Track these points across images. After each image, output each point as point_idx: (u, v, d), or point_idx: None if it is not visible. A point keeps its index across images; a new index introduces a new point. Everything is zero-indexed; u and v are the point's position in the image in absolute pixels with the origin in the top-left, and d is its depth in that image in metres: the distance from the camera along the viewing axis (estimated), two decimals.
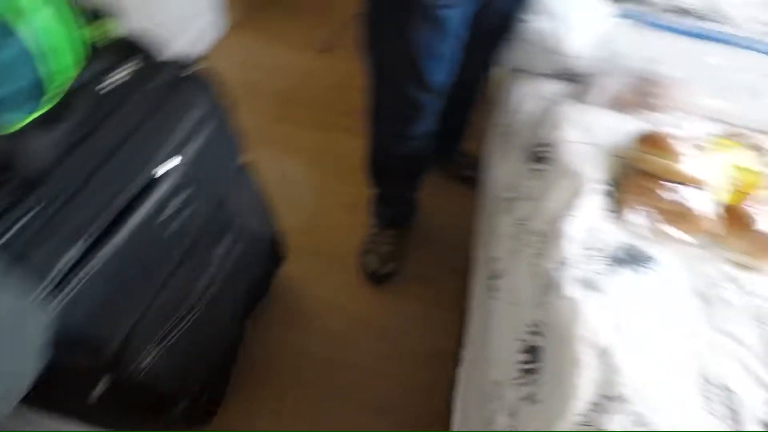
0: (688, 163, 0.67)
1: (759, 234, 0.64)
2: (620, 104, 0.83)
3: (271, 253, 1.15)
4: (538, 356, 0.57)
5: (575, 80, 0.94)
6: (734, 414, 0.52)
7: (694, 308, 0.61)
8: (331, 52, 1.92)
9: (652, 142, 0.69)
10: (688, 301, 0.61)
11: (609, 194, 0.69)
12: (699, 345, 0.57)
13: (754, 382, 0.55)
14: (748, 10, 1.01)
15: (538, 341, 0.58)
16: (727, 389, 0.54)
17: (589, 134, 0.76)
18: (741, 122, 0.88)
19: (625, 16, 0.78)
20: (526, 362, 0.58)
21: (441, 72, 0.95)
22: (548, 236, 0.65)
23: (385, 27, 0.90)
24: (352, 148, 1.39)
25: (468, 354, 0.81)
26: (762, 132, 0.85)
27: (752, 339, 0.59)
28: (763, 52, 0.73)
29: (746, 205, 0.66)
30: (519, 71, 1.01)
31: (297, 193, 1.45)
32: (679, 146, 0.68)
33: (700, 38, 0.74)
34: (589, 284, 0.59)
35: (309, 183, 1.49)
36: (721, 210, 0.66)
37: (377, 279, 1.28)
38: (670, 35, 0.78)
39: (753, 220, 0.65)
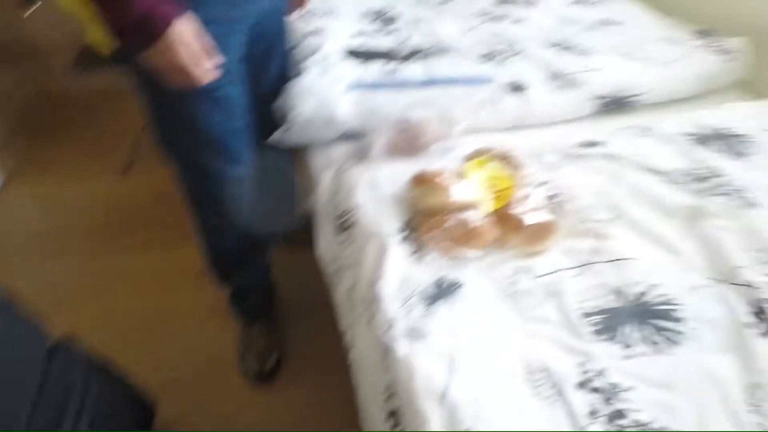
0: (455, 191, 0.77)
1: (526, 226, 0.77)
2: (395, 152, 0.94)
3: (136, 410, 1.02)
4: (399, 419, 0.60)
5: (355, 139, 1.03)
6: (557, 389, 0.61)
7: (504, 310, 0.70)
8: (135, 168, 1.82)
9: (422, 182, 0.79)
10: (497, 306, 0.70)
11: (408, 239, 0.76)
12: (516, 341, 0.66)
13: (563, 350, 0.66)
14: (467, 44, 1.24)
15: (395, 404, 0.61)
16: (546, 369, 0.63)
17: (377, 190, 0.84)
18: (490, 127, 1.06)
19: (364, 84, 0.89)
20: (393, 428, 0.61)
21: (243, 144, 0.98)
22: (371, 302, 0.69)
23: (175, 122, 0.90)
24: (188, 257, 1.32)
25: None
26: (504, 130, 1.04)
27: (552, 313, 0.70)
28: (477, 82, 0.89)
29: (511, 206, 0.79)
30: (306, 146, 1.07)
31: (147, 325, 1.33)
32: (444, 179, 0.78)
33: (430, 85, 0.88)
34: (415, 334, 0.64)
35: (155, 309, 1.38)
36: (494, 218, 0.78)
37: (265, 377, 1.23)
38: (409, 88, 0.91)
39: (521, 215, 0.78)
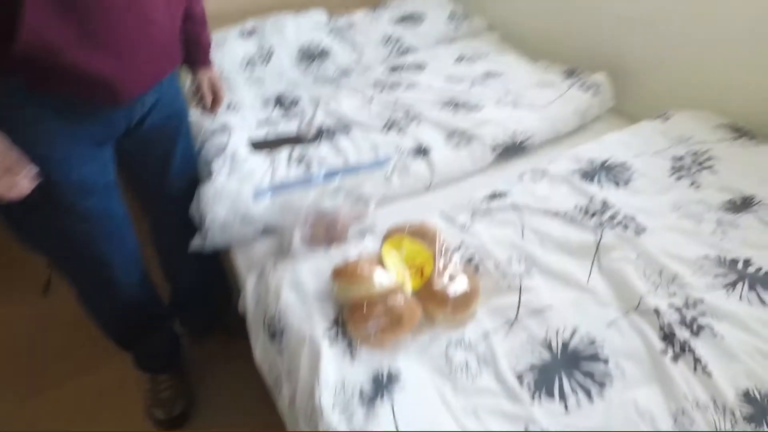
0: (377, 278, 0.77)
1: (450, 298, 0.77)
2: (315, 243, 0.92)
3: None
4: None
5: (274, 233, 1.01)
6: None
7: (445, 390, 0.69)
8: (55, 285, 1.67)
9: (343, 274, 0.78)
10: (437, 388, 0.69)
11: (339, 337, 0.74)
12: (461, 423, 0.65)
13: (507, 420, 0.65)
14: (368, 115, 1.28)
15: None
16: None
17: (301, 289, 0.81)
18: (403, 193, 1.09)
19: (271, 189, 0.88)
20: None
21: (122, 246, 0.96)
22: (312, 413, 0.66)
23: (54, 240, 0.88)
24: (121, 376, 1.21)
25: None
26: (416, 194, 1.06)
27: (490, 381, 0.70)
28: (377, 165, 0.92)
29: (433, 280, 0.79)
30: (227, 247, 1.04)
31: None
32: (363, 268, 0.77)
33: (333, 177, 0.88)
34: None
35: None
36: (419, 296, 0.78)
37: (173, 423, 1.21)
38: (315, 184, 0.91)
39: (444, 288, 0.78)
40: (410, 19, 1.68)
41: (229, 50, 1.49)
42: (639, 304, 0.77)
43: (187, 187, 1.07)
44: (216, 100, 1.10)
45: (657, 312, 0.75)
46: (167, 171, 1.03)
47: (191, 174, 1.10)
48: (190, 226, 1.05)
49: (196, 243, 1.02)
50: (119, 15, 0.72)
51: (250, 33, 1.56)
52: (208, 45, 1.04)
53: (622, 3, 1.33)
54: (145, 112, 0.90)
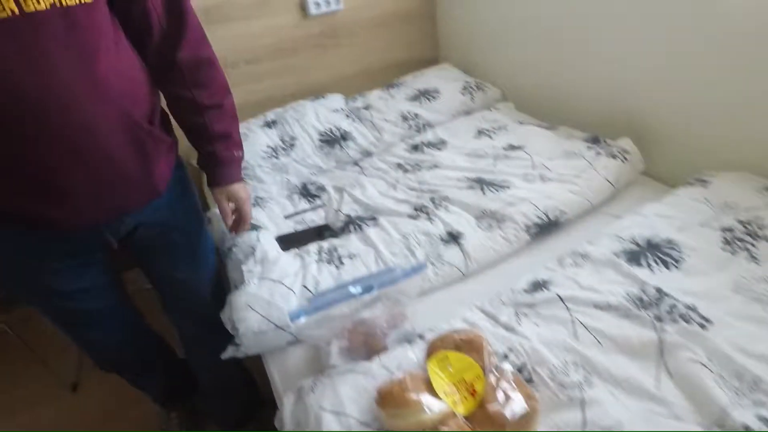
0: (427, 404, 0.69)
1: (509, 421, 0.69)
2: (354, 353, 0.86)
3: None
4: None
5: (309, 341, 0.95)
6: None
7: None
8: (84, 382, 1.63)
9: (390, 400, 0.70)
10: None
11: None
12: None
13: None
14: (394, 201, 1.24)
15: None
16: None
17: (344, 416, 0.74)
18: (439, 284, 1.03)
19: (307, 311, 0.82)
20: None
21: (108, 330, 1.01)
22: None
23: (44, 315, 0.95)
24: None
25: None
26: (452, 283, 0.99)
27: None
28: (413, 272, 0.86)
29: (487, 400, 0.71)
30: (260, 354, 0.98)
31: None
32: (411, 393, 0.70)
33: (370, 291, 0.83)
34: None
35: None
36: (474, 420, 0.70)
37: None
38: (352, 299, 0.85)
39: (500, 410, 0.70)
40: (425, 94, 1.68)
41: (253, 141, 1.50)
42: (723, 419, 0.67)
43: (200, 297, 1.05)
44: (240, 220, 1.02)
45: (747, 429, 0.65)
46: (173, 279, 1.01)
47: (201, 282, 1.05)
48: (202, 331, 1.05)
49: (229, 351, 0.96)
50: (57, 164, 0.70)
51: (272, 123, 1.58)
52: (226, 161, 0.93)
53: (637, 64, 1.29)
54: (130, 229, 0.89)
